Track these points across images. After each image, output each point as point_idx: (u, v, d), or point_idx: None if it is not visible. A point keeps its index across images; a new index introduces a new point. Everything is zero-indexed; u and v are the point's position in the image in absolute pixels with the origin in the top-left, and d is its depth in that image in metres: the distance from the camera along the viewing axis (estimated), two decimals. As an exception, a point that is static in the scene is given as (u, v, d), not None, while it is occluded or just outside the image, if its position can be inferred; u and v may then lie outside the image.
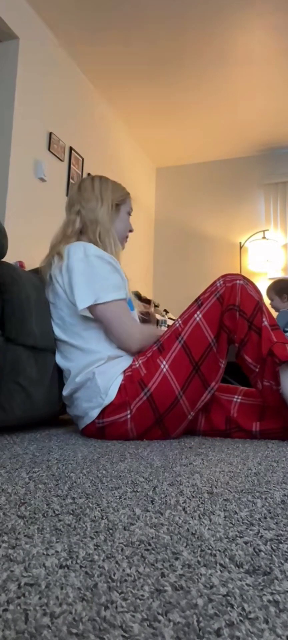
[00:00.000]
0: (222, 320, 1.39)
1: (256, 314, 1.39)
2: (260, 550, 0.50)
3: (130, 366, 1.43)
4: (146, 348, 1.46)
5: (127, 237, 1.70)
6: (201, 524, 0.58)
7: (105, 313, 1.43)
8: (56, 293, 1.51)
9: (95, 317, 1.45)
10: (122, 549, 0.49)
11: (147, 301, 3.85)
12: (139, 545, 0.51)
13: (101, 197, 1.59)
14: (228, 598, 0.39)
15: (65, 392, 1.50)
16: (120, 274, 1.51)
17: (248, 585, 0.42)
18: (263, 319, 1.38)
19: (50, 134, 3.40)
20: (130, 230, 1.71)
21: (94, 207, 1.57)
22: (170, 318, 3.98)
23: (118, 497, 0.70)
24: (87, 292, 1.42)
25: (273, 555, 0.49)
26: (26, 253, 2.91)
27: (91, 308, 1.43)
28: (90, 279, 1.43)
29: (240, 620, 0.36)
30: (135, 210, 1.78)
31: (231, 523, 0.59)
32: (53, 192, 3.41)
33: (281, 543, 0.52)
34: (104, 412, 1.39)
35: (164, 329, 1.96)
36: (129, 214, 1.69)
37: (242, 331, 1.39)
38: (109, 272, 1.46)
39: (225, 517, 0.61)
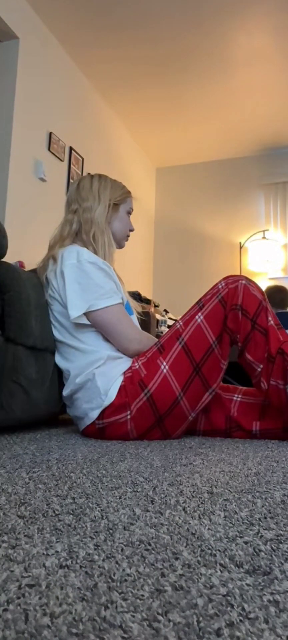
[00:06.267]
0: (225, 323, 1.39)
1: (259, 313, 1.39)
2: (260, 550, 0.50)
3: (130, 367, 1.42)
4: (144, 350, 1.46)
5: (127, 236, 1.70)
6: (201, 524, 0.58)
7: (99, 320, 1.43)
8: (52, 296, 1.51)
9: (91, 323, 1.44)
10: (122, 549, 0.49)
11: (147, 301, 3.85)
12: (139, 545, 0.51)
13: (98, 196, 1.58)
14: (228, 598, 0.39)
15: (65, 393, 1.50)
16: (114, 279, 1.51)
17: (248, 585, 0.42)
18: (269, 318, 1.39)
19: (50, 134, 3.40)
20: (131, 230, 1.71)
21: (90, 207, 1.57)
22: (170, 318, 3.97)
23: (118, 497, 0.70)
24: (79, 300, 1.41)
25: (273, 555, 0.49)
26: (26, 253, 2.91)
27: (86, 314, 1.43)
28: (83, 286, 1.43)
29: (240, 620, 0.36)
30: (135, 210, 1.77)
31: (231, 523, 0.59)
32: (53, 192, 3.41)
33: (281, 543, 0.52)
34: (103, 413, 1.38)
35: (165, 329, 1.96)
36: (129, 213, 1.68)
37: (245, 330, 1.39)
38: (102, 278, 1.46)
39: (225, 517, 0.61)
